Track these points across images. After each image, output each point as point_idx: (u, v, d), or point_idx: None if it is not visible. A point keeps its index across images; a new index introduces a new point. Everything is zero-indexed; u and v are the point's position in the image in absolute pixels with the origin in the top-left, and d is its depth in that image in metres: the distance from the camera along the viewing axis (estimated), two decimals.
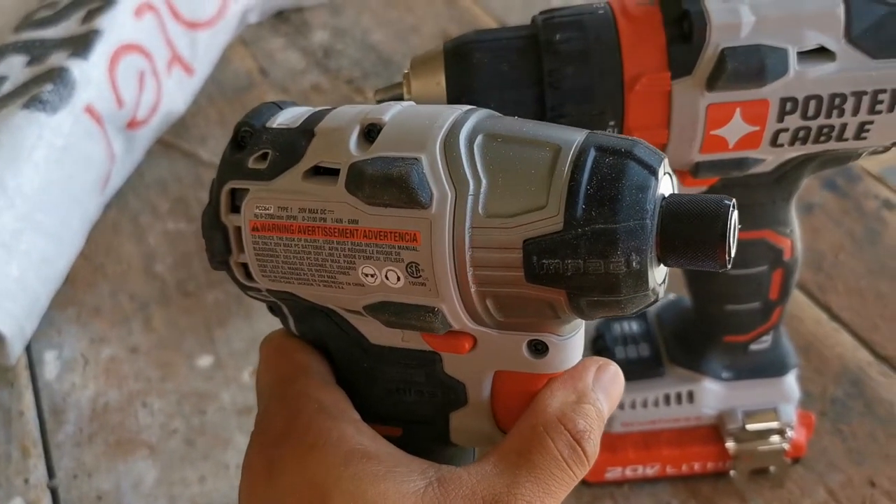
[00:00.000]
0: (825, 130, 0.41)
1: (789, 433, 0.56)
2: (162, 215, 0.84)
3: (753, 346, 0.54)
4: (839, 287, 0.72)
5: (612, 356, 0.57)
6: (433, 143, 0.26)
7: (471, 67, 0.41)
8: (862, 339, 0.67)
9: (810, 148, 0.42)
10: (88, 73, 0.78)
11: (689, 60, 0.39)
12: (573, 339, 0.29)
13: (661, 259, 0.26)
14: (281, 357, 0.33)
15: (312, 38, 1.07)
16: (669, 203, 0.26)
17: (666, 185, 0.26)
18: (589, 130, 0.27)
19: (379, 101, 0.39)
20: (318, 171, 0.28)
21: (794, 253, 0.50)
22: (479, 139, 0.27)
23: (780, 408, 0.56)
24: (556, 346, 0.29)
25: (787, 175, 0.45)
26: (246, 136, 0.30)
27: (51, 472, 0.63)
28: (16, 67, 0.80)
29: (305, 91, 0.99)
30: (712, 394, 0.56)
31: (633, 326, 0.60)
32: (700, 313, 0.54)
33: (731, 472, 0.58)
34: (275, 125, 0.30)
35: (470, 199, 0.26)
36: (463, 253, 0.26)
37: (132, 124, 0.84)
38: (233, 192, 0.30)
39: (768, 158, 0.42)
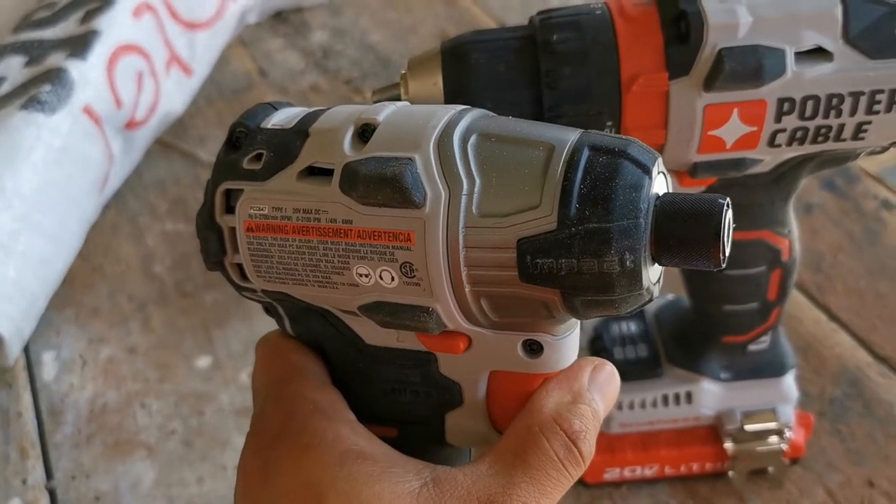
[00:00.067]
0: (823, 131, 0.41)
1: (788, 434, 0.56)
2: (160, 216, 0.84)
3: (752, 347, 0.54)
4: (838, 287, 0.72)
5: (610, 356, 0.57)
6: (427, 143, 0.26)
7: (468, 68, 0.41)
8: (861, 340, 0.67)
9: (808, 148, 0.42)
10: (87, 73, 0.78)
11: (686, 61, 0.39)
12: (568, 338, 0.29)
13: (656, 258, 0.26)
14: (276, 358, 0.33)
15: (311, 38, 1.08)
16: (663, 202, 0.25)
17: (660, 184, 0.26)
18: (583, 130, 0.27)
19: (376, 102, 0.39)
20: (313, 172, 0.28)
21: (792, 253, 0.50)
22: (472, 139, 0.27)
23: (779, 408, 0.56)
24: (551, 345, 0.29)
25: (785, 175, 0.45)
26: (241, 137, 0.30)
27: (49, 473, 0.63)
28: (14, 68, 0.80)
29: (304, 91, 0.99)
30: (711, 394, 0.56)
31: (632, 327, 0.60)
32: (698, 314, 0.54)
33: (730, 473, 0.58)
34: (269, 126, 0.30)
35: (464, 198, 0.26)
36: (457, 253, 0.26)
37: (130, 125, 0.84)
38: (227, 192, 0.30)
39: (766, 159, 0.42)
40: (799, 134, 0.41)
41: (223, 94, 0.99)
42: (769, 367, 0.55)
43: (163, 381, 0.69)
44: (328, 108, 0.30)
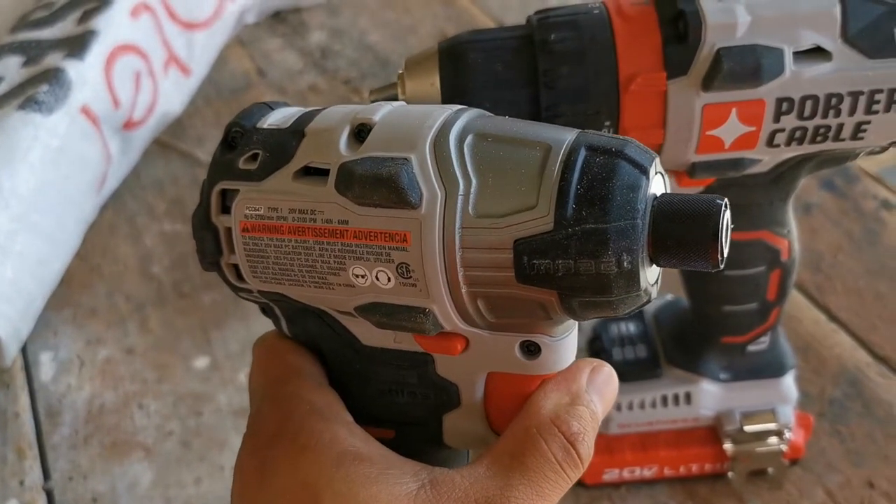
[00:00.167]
0: (822, 131, 0.40)
1: (787, 434, 0.56)
2: (158, 216, 0.84)
3: (751, 347, 0.54)
4: (838, 287, 0.72)
5: (609, 357, 0.57)
6: (423, 143, 0.26)
7: (465, 67, 0.40)
8: (860, 340, 0.67)
9: (807, 148, 0.41)
10: (84, 73, 0.78)
11: (684, 60, 0.39)
12: (566, 340, 0.29)
13: (653, 259, 0.25)
14: (273, 358, 0.33)
15: (310, 38, 1.07)
16: (661, 203, 0.25)
17: (658, 184, 0.26)
18: (580, 130, 0.26)
19: (373, 102, 0.39)
20: (308, 172, 0.28)
21: (791, 253, 0.49)
22: (469, 139, 0.26)
23: (778, 409, 0.56)
24: (548, 347, 0.28)
25: (784, 175, 0.45)
26: (236, 137, 0.30)
27: (46, 474, 0.63)
28: (11, 68, 0.80)
29: (303, 91, 0.99)
30: (710, 395, 0.56)
31: (631, 327, 0.60)
32: (697, 314, 0.54)
33: (729, 474, 0.58)
34: (265, 126, 0.30)
35: (460, 199, 0.26)
36: (453, 253, 0.26)
37: (128, 125, 0.84)
38: (223, 192, 0.30)
39: (765, 159, 0.42)
40: (798, 134, 0.40)
41: (221, 94, 0.99)
42: (768, 368, 0.55)
43: (160, 381, 0.69)
44: (324, 108, 0.30)
